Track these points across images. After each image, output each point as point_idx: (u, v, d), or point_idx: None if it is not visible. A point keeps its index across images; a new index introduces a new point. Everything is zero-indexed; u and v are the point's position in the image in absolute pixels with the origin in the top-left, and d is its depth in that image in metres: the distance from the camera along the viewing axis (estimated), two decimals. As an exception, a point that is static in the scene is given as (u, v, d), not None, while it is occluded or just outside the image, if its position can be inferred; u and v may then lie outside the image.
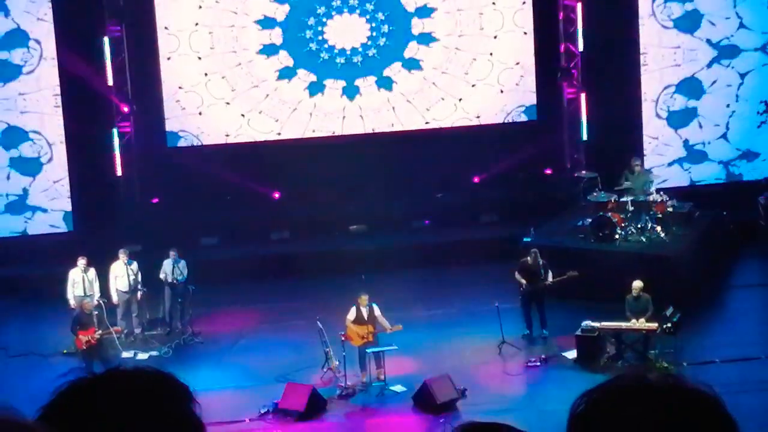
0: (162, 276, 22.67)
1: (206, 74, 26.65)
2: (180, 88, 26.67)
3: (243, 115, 26.90)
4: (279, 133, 27.02)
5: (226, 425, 18.05)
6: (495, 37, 26.92)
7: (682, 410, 2.12)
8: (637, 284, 20.38)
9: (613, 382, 2.22)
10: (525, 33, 26.93)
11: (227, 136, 26.95)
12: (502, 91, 27.13)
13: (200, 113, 26.82)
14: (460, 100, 27.12)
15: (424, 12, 26.89)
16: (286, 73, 26.87)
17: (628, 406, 2.14)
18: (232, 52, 26.65)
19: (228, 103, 26.83)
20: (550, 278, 21.53)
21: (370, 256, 24.85)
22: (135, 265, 22.57)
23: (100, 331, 20.70)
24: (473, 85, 27.08)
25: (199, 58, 26.57)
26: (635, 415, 2.12)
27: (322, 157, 26.43)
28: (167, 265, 22.67)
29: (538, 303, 21.55)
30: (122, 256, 22.46)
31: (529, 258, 21.68)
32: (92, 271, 22.30)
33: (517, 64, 27.06)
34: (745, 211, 25.64)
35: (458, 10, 26.86)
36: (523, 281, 21.49)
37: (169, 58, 26.52)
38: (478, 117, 27.21)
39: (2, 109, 25.84)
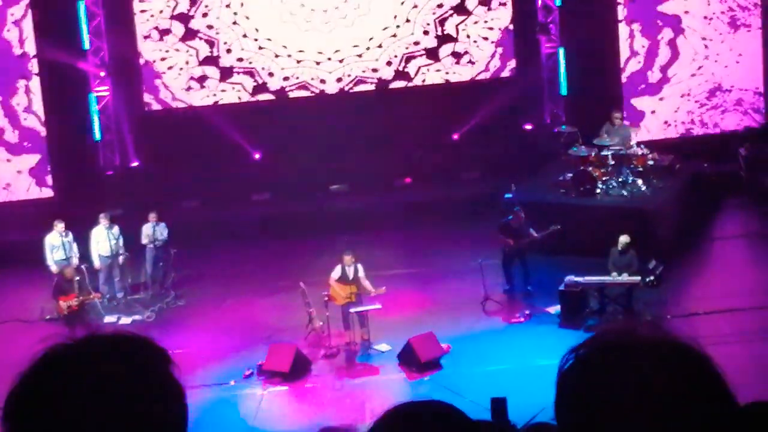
0: (144, 240, 22.62)
1: (184, 35, 26.47)
2: (158, 50, 26.50)
3: (221, 76, 26.76)
4: (256, 94, 26.91)
5: (211, 387, 18.06)
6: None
7: (671, 365, 2.12)
8: (624, 239, 20.34)
9: (601, 337, 2.21)
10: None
11: (206, 97, 26.83)
12: (479, 47, 27.05)
13: (179, 75, 26.69)
14: (437, 56, 27.03)
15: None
16: (262, 33, 26.71)
17: (617, 361, 2.13)
18: (208, 12, 26.46)
19: (206, 64, 26.69)
20: (534, 234, 21.50)
21: (351, 216, 24.83)
22: (116, 230, 22.51)
23: (80, 297, 20.64)
24: (452, 40, 26.97)
25: (176, 18, 26.39)
26: (624, 370, 2.11)
27: (301, 117, 26.32)
28: (147, 228, 22.62)
29: (521, 260, 21.55)
30: (103, 221, 22.37)
31: (512, 217, 21.65)
32: (70, 235, 22.23)
33: (494, 19, 26.96)
34: (726, 163, 25.65)
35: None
36: (510, 241, 21.45)
37: (146, 20, 26.34)
38: (456, 73, 27.14)
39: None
